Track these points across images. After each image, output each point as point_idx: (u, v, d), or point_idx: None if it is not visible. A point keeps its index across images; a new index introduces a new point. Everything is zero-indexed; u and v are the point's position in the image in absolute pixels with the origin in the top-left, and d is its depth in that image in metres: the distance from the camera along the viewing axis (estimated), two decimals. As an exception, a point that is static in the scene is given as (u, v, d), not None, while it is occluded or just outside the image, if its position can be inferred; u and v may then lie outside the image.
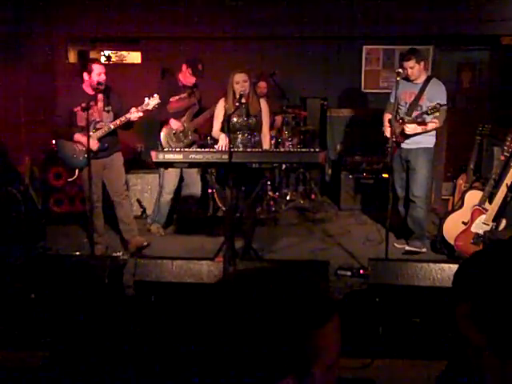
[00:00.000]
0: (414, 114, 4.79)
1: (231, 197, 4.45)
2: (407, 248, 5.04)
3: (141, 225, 5.86)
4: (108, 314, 3.49)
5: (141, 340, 3.34)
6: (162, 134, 5.38)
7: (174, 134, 5.38)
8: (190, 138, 5.47)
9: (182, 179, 5.71)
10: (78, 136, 4.71)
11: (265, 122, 4.72)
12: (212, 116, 5.47)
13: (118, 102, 4.88)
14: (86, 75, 4.70)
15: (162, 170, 5.50)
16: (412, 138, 4.84)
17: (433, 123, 4.74)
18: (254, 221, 4.93)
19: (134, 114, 4.69)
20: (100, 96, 4.77)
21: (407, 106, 4.86)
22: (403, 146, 4.89)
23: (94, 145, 4.66)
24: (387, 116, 4.99)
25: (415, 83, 4.84)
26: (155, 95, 4.74)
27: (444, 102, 4.66)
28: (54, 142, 6.24)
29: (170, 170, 5.41)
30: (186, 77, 5.43)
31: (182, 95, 5.36)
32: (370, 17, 6.65)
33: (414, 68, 4.76)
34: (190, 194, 5.70)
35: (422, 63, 4.81)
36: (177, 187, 5.67)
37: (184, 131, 5.41)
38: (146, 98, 4.73)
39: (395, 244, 5.18)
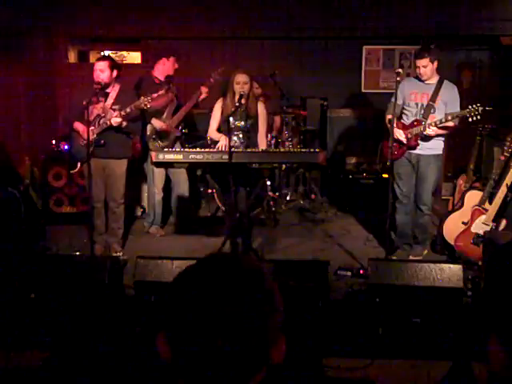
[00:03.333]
0: (431, 116, 4.53)
1: (231, 197, 4.46)
2: (410, 258, 4.83)
3: (141, 225, 5.88)
4: (108, 314, 3.49)
5: (141, 340, 3.34)
6: (147, 134, 5.38)
7: (158, 132, 5.38)
8: (174, 134, 5.46)
9: (170, 179, 5.71)
10: (76, 124, 4.76)
11: (261, 126, 4.72)
12: (191, 109, 5.49)
13: (131, 102, 4.77)
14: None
15: (150, 170, 5.50)
16: (423, 143, 4.61)
17: (451, 125, 4.53)
18: (250, 221, 4.94)
19: (114, 119, 4.65)
20: (113, 94, 4.78)
21: (420, 107, 4.59)
22: (415, 150, 4.65)
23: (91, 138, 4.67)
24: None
25: (427, 84, 4.56)
26: (148, 97, 4.64)
27: (458, 104, 4.51)
28: (53, 141, 6.28)
29: (156, 169, 5.40)
30: (170, 69, 5.41)
31: (160, 92, 5.34)
32: (370, 17, 6.64)
33: (427, 67, 4.47)
34: (178, 194, 5.71)
35: (436, 63, 4.54)
36: (165, 186, 5.68)
37: (167, 129, 5.40)
38: (142, 97, 4.64)
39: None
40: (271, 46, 6.92)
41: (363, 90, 7.09)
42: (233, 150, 4.21)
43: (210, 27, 6.72)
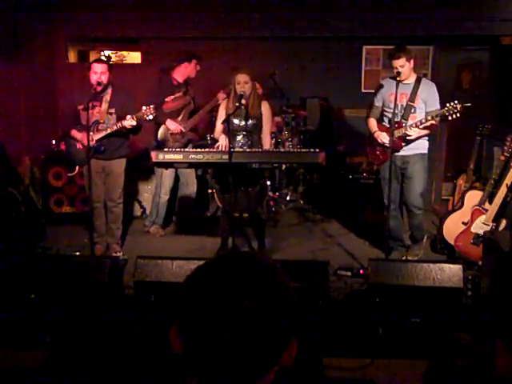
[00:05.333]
0: (412, 116, 4.52)
1: (230, 197, 4.47)
2: (409, 258, 4.82)
3: (140, 225, 5.88)
4: (108, 314, 3.49)
5: (140, 340, 3.34)
6: (160, 135, 5.37)
7: (171, 134, 5.37)
8: (187, 137, 5.46)
9: (178, 179, 5.71)
10: (73, 132, 4.76)
11: (265, 125, 4.69)
12: (207, 113, 5.50)
13: (125, 104, 4.74)
14: (90, 74, 4.70)
15: (160, 170, 5.49)
16: (407, 144, 4.58)
17: (433, 124, 4.50)
18: (261, 220, 4.96)
19: (128, 122, 4.58)
20: (106, 97, 4.74)
21: (400, 108, 4.53)
22: (399, 152, 4.61)
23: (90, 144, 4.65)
24: (373, 121, 4.74)
25: (405, 83, 4.48)
26: (152, 107, 4.59)
27: (438, 102, 4.51)
28: (53, 141, 6.28)
29: (166, 170, 5.40)
30: (193, 71, 5.44)
31: (177, 94, 5.35)
32: (369, 17, 6.64)
33: (405, 67, 4.40)
34: (185, 194, 5.71)
35: (412, 61, 4.49)
36: (173, 187, 5.68)
37: (181, 131, 5.40)
38: (144, 107, 4.58)
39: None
40: (271, 46, 6.92)
41: (363, 90, 7.09)
42: (233, 150, 4.21)
43: (211, 27, 6.72)
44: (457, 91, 6.83)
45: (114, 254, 4.93)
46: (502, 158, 4.72)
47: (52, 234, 5.58)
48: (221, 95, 5.34)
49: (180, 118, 5.40)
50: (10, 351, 3.23)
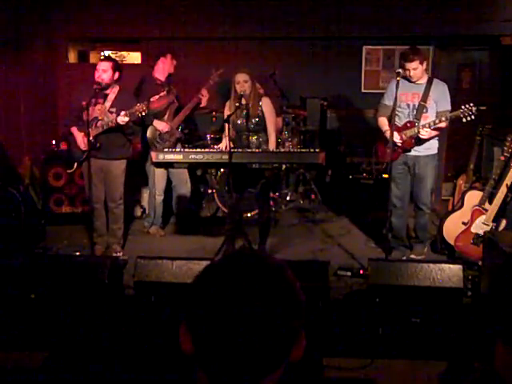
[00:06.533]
0: (424, 116, 4.54)
1: (232, 198, 4.47)
2: (412, 256, 4.86)
3: (141, 225, 5.88)
4: (108, 314, 3.49)
5: (141, 340, 3.35)
6: (148, 136, 5.37)
7: (159, 134, 5.36)
8: (175, 135, 5.45)
9: (171, 181, 5.71)
10: (73, 129, 4.78)
11: (269, 122, 4.61)
12: (192, 111, 5.52)
13: (127, 104, 4.69)
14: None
15: (152, 171, 5.49)
16: (419, 145, 4.60)
17: (443, 124, 4.52)
18: (267, 220, 4.98)
19: (120, 118, 4.55)
20: (111, 96, 4.75)
21: (411, 108, 4.59)
22: (411, 152, 4.64)
23: (85, 141, 4.64)
24: (384, 120, 4.77)
25: (417, 84, 4.57)
26: (144, 103, 4.60)
27: (449, 102, 4.53)
28: (53, 141, 6.28)
29: (157, 170, 5.40)
30: (171, 67, 5.44)
31: (162, 94, 5.34)
32: (370, 17, 6.64)
33: (418, 69, 4.47)
34: (179, 194, 5.71)
35: (425, 63, 4.55)
36: (166, 187, 5.68)
37: (169, 131, 5.40)
38: (138, 104, 4.59)
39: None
40: (271, 46, 6.92)
41: (363, 90, 7.09)
42: (233, 150, 4.22)
43: (210, 27, 6.72)
44: (457, 91, 6.82)
45: (115, 254, 4.93)
46: (502, 158, 4.72)
47: (52, 234, 5.58)
48: (203, 91, 5.37)
49: (166, 117, 5.39)
50: (10, 351, 3.23)
